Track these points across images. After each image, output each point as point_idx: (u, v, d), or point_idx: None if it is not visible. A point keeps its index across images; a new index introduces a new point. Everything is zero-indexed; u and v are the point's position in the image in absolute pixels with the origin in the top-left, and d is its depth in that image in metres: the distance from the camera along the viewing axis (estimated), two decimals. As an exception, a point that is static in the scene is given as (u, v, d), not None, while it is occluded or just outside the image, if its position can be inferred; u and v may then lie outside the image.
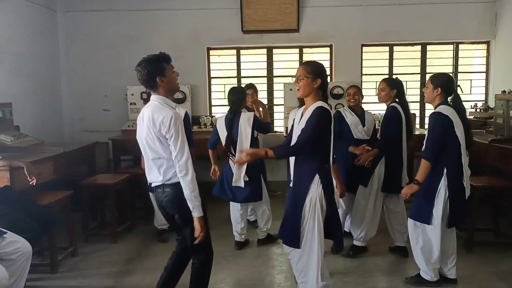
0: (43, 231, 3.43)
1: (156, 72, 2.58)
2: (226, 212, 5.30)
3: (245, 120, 4.05)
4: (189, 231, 2.65)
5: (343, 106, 5.77)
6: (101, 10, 6.22)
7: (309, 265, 2.81)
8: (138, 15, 6.24)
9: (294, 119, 2.94)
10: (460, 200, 3.20)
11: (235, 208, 4.29)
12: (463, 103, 3.31)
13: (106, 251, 4.32)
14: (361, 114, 4.21)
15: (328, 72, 6.38)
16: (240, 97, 4.13)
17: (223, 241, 4.40)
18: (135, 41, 6.26)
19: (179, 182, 2.57)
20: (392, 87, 3.87)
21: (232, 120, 4.07)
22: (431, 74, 6.22)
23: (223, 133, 4.15)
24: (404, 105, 3.87)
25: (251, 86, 4.78)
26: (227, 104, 4.26)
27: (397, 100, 3.90)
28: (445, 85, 3.21)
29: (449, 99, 3.26)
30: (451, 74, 3.48)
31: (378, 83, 6.29)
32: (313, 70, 2.77)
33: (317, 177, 2.75)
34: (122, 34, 6.28)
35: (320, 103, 2.75)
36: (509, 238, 4.15)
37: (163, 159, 2.60)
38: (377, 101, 4.17)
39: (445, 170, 3.17)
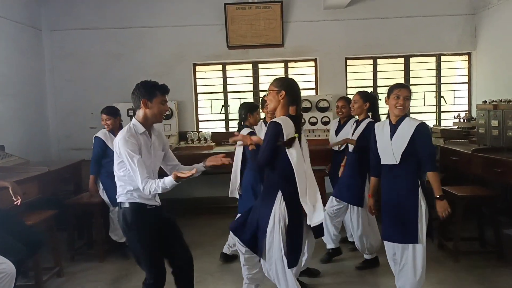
0: (29, 253, 3.37)
1: (144, 95, 2.68)
2: (215, 228, 5.31)
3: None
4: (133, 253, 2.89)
5: (329, 119, 5.85)
6: (86, 29, 6.25)
7: (280, 276, 2.84)
8: (124, 33, 6.28)
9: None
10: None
11: None
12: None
13: (93, 270, 4.27)
14: (346, 123, 4.29)
15: (313, 86, 6.47)
16: (242, 113, 4.13)
17: (210, 257, 4.38)
18: (121, 59, 6.28)
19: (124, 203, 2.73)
20: (365, 100, 3.94)
21: None
22: (414, 86, 6.38)
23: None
24: (377, 119, 3.93)
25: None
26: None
27: (369, 114, 3.99)
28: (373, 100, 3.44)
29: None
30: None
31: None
32: (278, 83, 2.88)
33: (279, 193, 2.81)
34: (108, 52, 6.30)
35: (276, 119, 2.82)
36: (494, 247, 4.18)
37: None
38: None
39: (419, 182, 3.07)
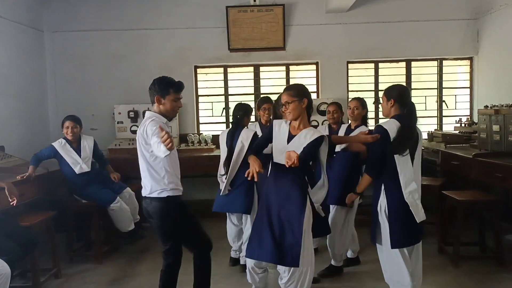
0: (24, 253, 3.37)
1: (158, 92, 2.80)
2: (213, 232, 5.28)
3: (244, 137, 3.95)
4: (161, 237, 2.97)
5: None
6: (88, 30, 6.26)
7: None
8: (125, 35, 6.29)
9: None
10: (399, 219, 2.95)
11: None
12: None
13: (91, 272, 4.25)
14: (338, 129, 4.23)
15: (314, 89, 6.46)
16: (239, 114, 4.05)
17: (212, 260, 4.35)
18: (122, 61, 6.29)
19: (162, 198, 2.80)
20: (364, 107, 3.94)
21: (233, 135, 4.02)
22: (415, 90, 6.35)
23: (223, 148, 4.12)
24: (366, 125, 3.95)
25: (267, 100, 4.40)
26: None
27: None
28: (398, 96, 3.04)
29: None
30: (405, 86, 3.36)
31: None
32: (297, 92, 2.93)
33: (307, 196, 2.93)
34: (109, 54, 6.31)
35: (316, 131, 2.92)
36: (495, 252, 4.15)
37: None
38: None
39: (382, 187, 3.02)
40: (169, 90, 2.80)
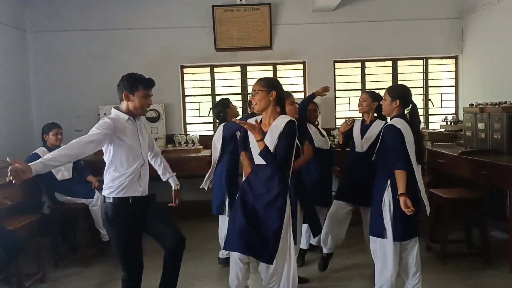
0: (10, 259, 3.28)
1: (127, 88, 2.72)
2: (202, 232, 5.26)
3: (215, 137, 4.13)
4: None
5: (318, 122, 5.82)
6: (72, 30, 6.16)
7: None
8: (110, 35, 6.21)
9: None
10: (403, 213, 3.02)
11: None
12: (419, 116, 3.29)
13: (77, 275, 4.19)
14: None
15: (301, 89, 6.46)
16: (219, 110, 4.18)
17: (198, 261, 4.33)
18: (107, 61, 6.21)
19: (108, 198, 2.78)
20: (374, 99, 3.83)
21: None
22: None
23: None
24: (383, 119, 3.86)
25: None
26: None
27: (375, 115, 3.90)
28: (403, 96, 3.19)
29: (406, 110, 3.24)
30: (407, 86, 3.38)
31: (350, 98, 6.47)
32: (266, 83, 2.86)
33: (287, 194, 2.89)
34: (94, 54, 6.22)
35: (286, 117, 2.85)
36: (481, 250, 4.19)
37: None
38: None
39: (388, 182, 3.10)
40: (138, 86, 2.72)
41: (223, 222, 4.06)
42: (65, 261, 4.51)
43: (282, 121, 2.82)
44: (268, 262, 2.82)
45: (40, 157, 4.23)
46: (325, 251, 3.95)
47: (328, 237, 3.88)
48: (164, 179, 3.27)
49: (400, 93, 3.20)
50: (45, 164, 2.44)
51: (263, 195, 2.85)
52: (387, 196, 3.11)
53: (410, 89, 3.35)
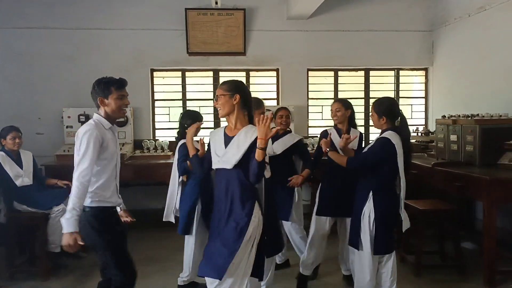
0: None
1: (100, 93, 2.64)
2: (171, 241, 5.05)
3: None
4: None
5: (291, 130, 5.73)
6: (36, 28, 5.85)
7: None
8: (77, 34, 5.93)
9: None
10: (385, 227, 3.07)
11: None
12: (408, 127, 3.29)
13: (35, 289, 3.90)
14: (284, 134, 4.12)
15: (274, 96, 6.38)
16: (187, 122, 3.71)
17: (167, 274, 4.12)
18: (74, 62, 5.92)
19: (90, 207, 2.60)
20: (346, 108, 3.79)
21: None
22: (373, 99, 6.40)
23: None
24: (354, 127, 3.87)
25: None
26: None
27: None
28: (388, 113, 3.16)
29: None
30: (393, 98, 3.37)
31: (323, 107, 6.44)
32: (229, 87, 2.64)
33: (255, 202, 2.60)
34: (60, 54, 5.92)
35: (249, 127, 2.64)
36: (454, 261, 4.19)
37: None
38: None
39: (370, 193, 3.09)
40: (110, 89, 2.63)
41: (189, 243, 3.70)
42: (21, 274, 4.21)
43: (253, 132, 2.57)
44: (214, 276, 2.49)
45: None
46: (305, 273, 3.81)
47: (311, 258, 3.76)
48: None
49: (386, 109, 3.17)
50: (78, 212, 2.44)
51: (230, 206, 2.58)
52: (368, 208, 3.09)
53: (396, 101, 3.36)
